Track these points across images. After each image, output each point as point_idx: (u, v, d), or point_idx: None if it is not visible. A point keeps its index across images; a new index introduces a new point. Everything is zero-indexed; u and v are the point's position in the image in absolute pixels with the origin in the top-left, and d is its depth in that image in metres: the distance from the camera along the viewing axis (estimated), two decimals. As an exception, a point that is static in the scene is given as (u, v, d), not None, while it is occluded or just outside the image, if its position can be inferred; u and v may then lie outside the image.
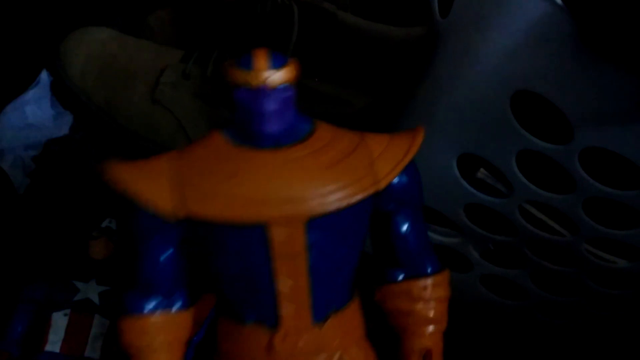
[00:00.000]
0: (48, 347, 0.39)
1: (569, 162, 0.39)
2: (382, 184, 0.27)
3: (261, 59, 0.26)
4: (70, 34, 0.55)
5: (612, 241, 0.42)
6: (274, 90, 0.26)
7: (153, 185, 0.26)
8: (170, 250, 0.27)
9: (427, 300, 0.30)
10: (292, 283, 0.27)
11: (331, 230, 0.27)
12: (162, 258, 0.27)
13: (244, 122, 0.26)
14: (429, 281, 0.30)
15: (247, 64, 0.26)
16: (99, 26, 0.56)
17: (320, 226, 0.26)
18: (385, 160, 0.27)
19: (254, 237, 0.26)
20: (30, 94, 0.53)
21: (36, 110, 0.52)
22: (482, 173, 0.42)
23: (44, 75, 0.54)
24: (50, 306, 0.40)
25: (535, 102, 0.38)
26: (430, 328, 0.30)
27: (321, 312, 0.28)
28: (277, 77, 0.26)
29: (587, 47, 0.34)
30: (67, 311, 0.40)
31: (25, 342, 0.41)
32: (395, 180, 0.28)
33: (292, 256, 0.27)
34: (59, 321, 0.40)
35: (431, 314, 0.30)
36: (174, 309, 0.28)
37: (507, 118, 0.39)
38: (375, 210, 0.29)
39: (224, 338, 0.29)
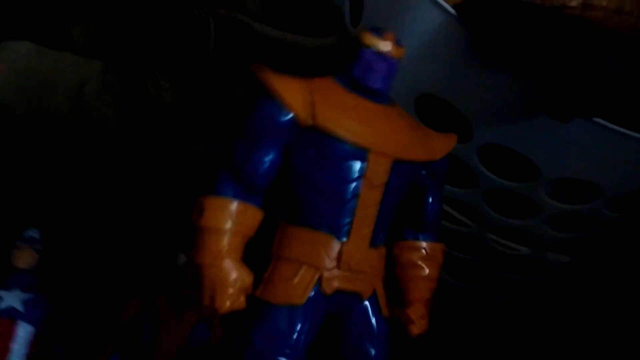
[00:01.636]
0: (-29, 356, 0.39)
1: (470, 158, 0.42)
2: (437, 157, 0.35)
3: (389, 35, 0.34)
4: (-11, 48, 0.54)
5: (514, 230, 0.46)
6: (391, 58, 0.34)
7: (292, 91, 0.31)
8: (275, 152, 0.31)
9: (432, 260, 0.36)
10: (368, 208, 0.32)
11: (402, 177, 0.34)
12: (271, 158, 0.31)
13: (359, 75, 0.33)
14: (437, 246, 0.37)
15: (379, 33, 0.34)
16: (19, 40, 0.56)
17: (399, 169, 0.33)
18: (437, 142, 0.35)
19: (356, 158, 0.32)
20: (-51, 108, 0.52)
21: (-45, 124, 0.51)
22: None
23: (-37, 89, 0.53)
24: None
25: (437, 103, 0.41)
26: (429, 283, 0.36)
27: (375, 240, 0.33)
28: (396, 50, 0.34)
29: (479, 52, 0.37)
30: (-9, 319, 0.40)
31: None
32: (440, 161, 0.35)
33: (374, 186, 0.32)
34: (-19, 329, 0.40)
35: (432, 272, 0.36)
36: (254, 204, 0.31)
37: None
38: (416, 181, 0.35)
39: (289, 242, 0.32)
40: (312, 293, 0.31)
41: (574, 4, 0.43)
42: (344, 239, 0.32)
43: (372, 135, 0.32)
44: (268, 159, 0.31)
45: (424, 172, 0.35)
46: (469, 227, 0.46)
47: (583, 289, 0.52)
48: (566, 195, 0.44)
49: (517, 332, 0.53)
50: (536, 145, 0.40)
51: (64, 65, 0.53)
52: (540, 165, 0.40)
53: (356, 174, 0.32)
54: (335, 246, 0.32)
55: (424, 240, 0.36)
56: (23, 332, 0.40)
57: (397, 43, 0.34)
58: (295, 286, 0.31)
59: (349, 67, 0.34)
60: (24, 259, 0.43)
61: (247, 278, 0.30)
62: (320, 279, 0.32)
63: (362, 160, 0.32)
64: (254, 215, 0.31)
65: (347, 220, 0.32)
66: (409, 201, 0.36)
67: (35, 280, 0.43)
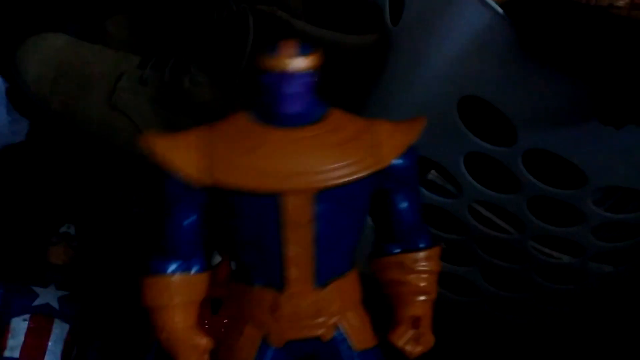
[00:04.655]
0: (7, 353, 0.39)
1: (513, 163, 0.40)
2: (386, 163, 0.31)
3: (286, 48, 0.30)
4: (26, 40, 0.54)
5: (556, 238, 0.44)
6: (294, 75, 0.29)
7: (184, 155, 0.29)
8: (194, 217, 0.30)
9: (419, 272, 0.33)
10: (298, 250, 0.30)
11: (337, 204, 0.30)
12: (185, 223, 0.30)
13: (267, 104, 0.30)
14: (421, 254, 0.33)
15: (272, 51, 0.30)
16: (55, 32, 0.56)
17: (327, 199, 0.30)
18: (389, 142, 0.31)
19: (268, 205, 0.29)
20: (-14, 100, 0.52)
21: (-8, 117, 0.52)
22: (432, 174, 0.44)
23: (0, 82, 0.54)
24: (9, 312, 0.40)
25: (481, 106, 0.39)
26: (421, 297, 0.33)
27: (323, 277, 0.31)
28: (297, 63, 0.29)
29: (527, 53, 0.36)
30: (27, 316, 0.40)
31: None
32: (398, 161, 0.31)
33: (301, 225, 0.30)
34: (18, 327, 0.40)
35: (422, 284, 0.33)
36: (193, 271, 0.31)
37: (455, 122, 0.41)
38: (377, 189, 0.32)
39: (234, 301, 0.32)
40: (262, 350, 0.31)
41: (621, 3, 0.42)
42: (281, 290, 0.31)
43: (282, 174, 0.29)
44: (184, 227, 0.30)
45: (382, 178, 0.32)
46: (509, 233, 0.45)
47: (626, 300, 0.50)
48: (611, 204, 0.42)
49: (555, 341, 0.52)
50: (584, 152, 0.38)
51: (100, 59, 0.53)
52: (587, 172, 0.39)
53: (272, 222, 0.30)
54: (274, 299, 0.31)
55: (403, 252, 0.33)
56: (58, 329, 0.40)
57: (302, 51, 0.30)
58: (241, 346, 0.31)
59: (257, 98, 0.30)
60: (59, 255, 0.43)
61: (203, 342, 0.31)
62: (266, 335, 0.31)
63: (274, 204, 0.30)
64: (198, 281, 0.31)
65: (278, 269, 0.31)
66: (377, 212, 0.33)
67: (70, 277, 0.43)
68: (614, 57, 0.33)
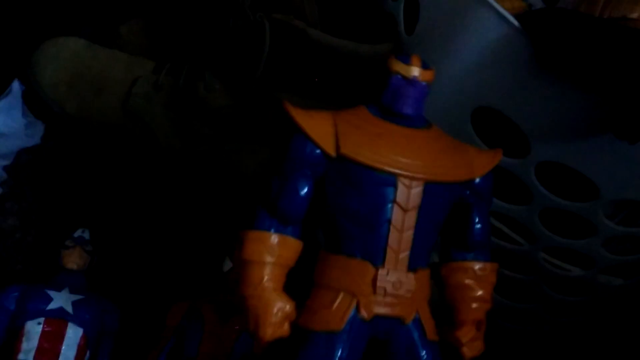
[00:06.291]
0: (21, 356, 0.39)
1: (525, 174, 0.41)
2: (477, 175, 0.35)
3: (416, 59, 0.34)
4: (42, 44, 0.55)
5: (567, 250, 0.44)
6: (419, 83, 0.34)
7: (321, 127, 0.33)
8: (309, 186, 0.33)
9: (483, 280, 0.36)
10: (402, 231, 0.33)
11: (437, 199, 0.34)
12: (302, 189, 0.33)
13: (389, 102, 0.34)
14: (487, 265, 0.36)
15: (405, 59, 0.34)
16: (71, 36, 0.56)
17: (433, 192, 0.33)
18: (479, 160, 0.35)
19: (385, 184, 0.33)
20: (2, 103, 0.53)
21: (7, 120, 0.52)
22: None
23: (16, 85, 0.54)
24: (23, 315, 0.40)
25: (494, 117, 0.40)
26: (482, 304, 0.36)
27: (414, 263, 0.33)
28: (423, 74, 0.34)
29: (543, 66, 0.36)
30: (41, 320, 0.40)
31: (-3, 351, 0.41)
32: (483, 178, 0.35)
33: (408, 209, 0.33)
34: (33, 330, 0.40)
35: (484, 293, 0.36)
36: (292, 236, 0.33)
37: (469, 132, 0.41)
38: (459, 200, 0.35)
39: (328, 269, 0.33)
40: (351, 319, 0.32)
41: (635, 15, 0.42)
42: (379, 265, 0.33)
43: (401, 160, 0.33)
44: (299, 192, 0.33)
45: (467, 191, 0.35)
46: (520, 245, 0.45)
47: (636, 312, 0.50)
48: (623, 217, 0.42)
49: (564, 353, 0.51)
50: (597, 165, 0.38)
51: (115, 63, 0.54)
52: (600, 185, 0.39)
53: (385, 200, 0.33)
54: (370, 272, 0.33)
55: (473, 260, 0.36)
56: (72, 333, 0.40)
57: (424, 66, 0.34)
58: (333, 313, 0.32)
59: (379, 95, 0.34)
60: (74, 259, 0.43)
61: (288, 307, 0.32)
62: (357, 305, 0.32)
63: (391, 185, 0.33)
64: (293, 246, 0.33)
65: (381, 246, 0.33)
66: (454, 221, 0.36)
67: (84, 281, 0.44)
68: (629, 71, 0.34)
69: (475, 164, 0.35)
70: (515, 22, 0.37)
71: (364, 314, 0.32)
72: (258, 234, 0.32)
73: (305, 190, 0.33)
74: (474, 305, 0.35)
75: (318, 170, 0.33)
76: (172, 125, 0.51)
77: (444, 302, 0.36)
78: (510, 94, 0.38)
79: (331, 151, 0.33)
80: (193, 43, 0.54)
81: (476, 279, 0.36)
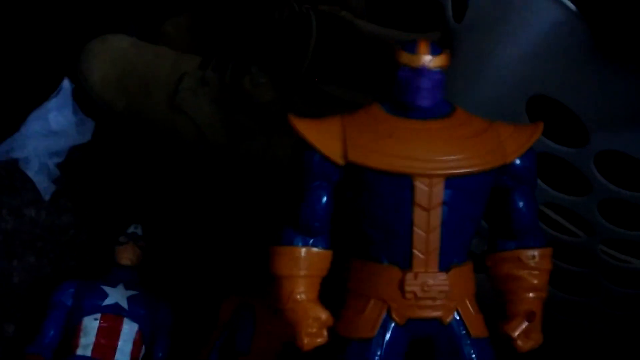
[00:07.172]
0: (79, 351, 0.40)
1: (584, 165, 0.39)
2: (510, 159, 0.33)
3: (424, 46, 0.32)
4: (89, 43, 0.56)
5: (627, 242, 0.43)
6: (429, 71, 0.32)
7: (327, 136, 0.32)
8: (327, 195, 0.32)
9: (533, 268, 0.34)
10: (426, 232, 0.32)
11: (463, 192, 0.32)
12: (320, 201, 0.32)
13: (400, 96, 0.32)
14: (536, 252, 0.34)
15: (411, 49, 0.32)
16: (117, 34, 0.57)
17: (456, 186, 0.32)
18: (512, 141, 0.33)
19: (401, 186, 0.32)
20: (53, 102, 0.54)
21: (59, 118, 0.53)
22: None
23: (66, 83, 0.55)
24: (80, 311, 0.41)
25: (551, 105, 0.38)
26: (535, 294, 0.34)
27: (446, 262, 0.32)
28: (432, 61, 0.32)
29: (602, 52, 0.35)
30: (97, 315, 0.41)
31: (56, 346, 0.41)
32: (519, 160, 0.33)
33: (430, 208, 0.32)
34: (90, 325, 0.40)
35: (535, 281, 0.34)
36: (319, 247, 0.33)
37: (525, 122, 0.40)
38: (497, 185, 0.34)
39: (358, 276, 0.33)
40: (383, 325, 0.32)
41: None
42: (406, 269, 0.32)
43: (416, 159, 0.32)
44: (318, 204, 0.32)
45: (504, 177, 0.34)
46: (578, 237, 0.44)
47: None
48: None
49: (623, 347, 0.50)
50: (660, 153, 0.37)
51: (162, 60, 0.54)
52: (663, 174, 0.37)
53: (404, 202, 0.32)
54: (398, 277, 0.32)
55: (519, 248, 0.34)
56: (128, 329, 0.41)
57: (434, 52, 0.32)
58: (365, 320, 0.32)
59: (390, 90, 0.33)
60: (127, 255, 0.44)
61: (324, 315, 0.32)
62: (389, 311, 0.32)
63: (407, 186, 0.32)
64: (322, 256, 0.33)
65: (406, 249, 0.32)
66: (496, 208, 0.34)
67: (138, 276, 0.44)
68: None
69: (508, 145, 0.33)
70: (573, 7, 0.35)
71: (396, 319, 0.32)
72: (286, 249, 0.32)
73: (324, 200, 0.32)
74: (524, 295, 0.34)
75: (333, 178, 0.32)
76: (219, 120, 0.51)
77: (497, 294, 0.35)
78: (568, 81, 0.37)
79: (339, 160, 0.32)
80: (239, 37, 0.54)
81: (524, 268, 0.34)
